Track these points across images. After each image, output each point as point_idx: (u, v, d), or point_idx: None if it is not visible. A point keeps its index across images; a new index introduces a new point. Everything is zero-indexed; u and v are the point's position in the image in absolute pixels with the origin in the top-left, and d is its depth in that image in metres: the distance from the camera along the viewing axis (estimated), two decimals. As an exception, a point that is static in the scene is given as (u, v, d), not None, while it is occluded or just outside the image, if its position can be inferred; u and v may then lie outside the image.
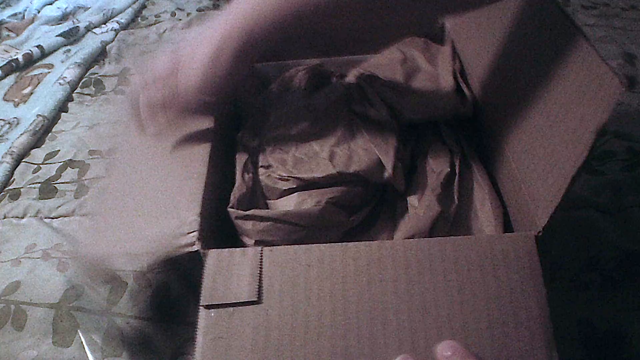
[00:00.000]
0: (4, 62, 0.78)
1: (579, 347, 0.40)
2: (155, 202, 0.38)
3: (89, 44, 0.83)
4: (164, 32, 0.85)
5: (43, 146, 0.64)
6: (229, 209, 0.40)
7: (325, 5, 0.34)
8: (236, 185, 0.42)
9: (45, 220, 0.53)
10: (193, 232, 0.35)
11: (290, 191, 0.41)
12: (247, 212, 0.39)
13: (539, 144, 0.36)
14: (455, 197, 0.42)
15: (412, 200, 0.42)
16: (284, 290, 0.32)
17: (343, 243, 0.34)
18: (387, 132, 0.45)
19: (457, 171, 0.43)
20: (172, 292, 0.45)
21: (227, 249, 0.34)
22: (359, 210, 0.42)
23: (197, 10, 0.92)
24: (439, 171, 0.43)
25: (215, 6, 0.94)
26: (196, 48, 0.38)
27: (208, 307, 0.32)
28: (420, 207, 0.41)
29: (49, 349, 0.41)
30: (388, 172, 0.42)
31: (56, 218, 0.53)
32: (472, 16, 0.51)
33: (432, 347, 0.30)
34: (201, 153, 0.41)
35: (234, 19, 0.36)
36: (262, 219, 0.39)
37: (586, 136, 0.30)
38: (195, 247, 0.34)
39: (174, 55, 0.39)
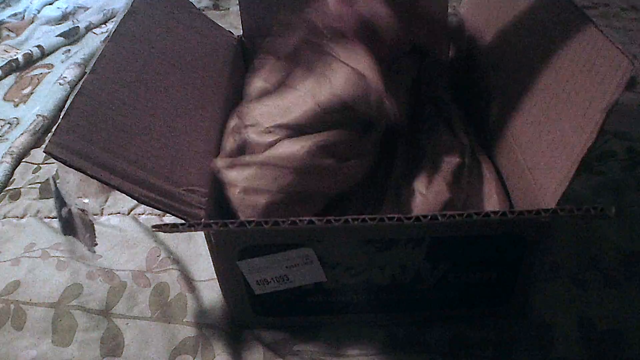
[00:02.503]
0: (4, 62, 0.78)
1: (579, 345, 0.40)
2: (164, 153, 0.37)
3: (89, 44, 0.83)
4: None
5: (43, 146, 0.64)
6: (214, 160, 0.39)
7: None
8: (222, 144, 0.42)
9: (45, 220, 0.53)
10: (201, 208, 0.35)
11: (276, 141, 0.40)
12: (231, 159, 0.39)
13: (546, 129, 0.36)
14: (465, 188, 0.42)
15: (419, 186, 0.41)
16: None
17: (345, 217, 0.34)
18: (359, 49, 0.42)
19: (466, 163, 0.43)
20: (171, 292, 0.45)
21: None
22: (349, 160, 0.41)
23: (197, 11, 0.92)
24: (449, 160, 0.42)
25: (215, 6, 0.94)
26: None
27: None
28: (429, 192, 0.40)
29: (48, 349, 0.41)
30: (373, 81, 0.39)
31: (56, 218, 0.53)
32: (486, 8, 0.51)
33: None
34: (211, 131, 0.41)
35: None
36: (246, 164, 0.38)
37: (596, 116, 0.29)
38: (200, 228, 0.34)
39: None
